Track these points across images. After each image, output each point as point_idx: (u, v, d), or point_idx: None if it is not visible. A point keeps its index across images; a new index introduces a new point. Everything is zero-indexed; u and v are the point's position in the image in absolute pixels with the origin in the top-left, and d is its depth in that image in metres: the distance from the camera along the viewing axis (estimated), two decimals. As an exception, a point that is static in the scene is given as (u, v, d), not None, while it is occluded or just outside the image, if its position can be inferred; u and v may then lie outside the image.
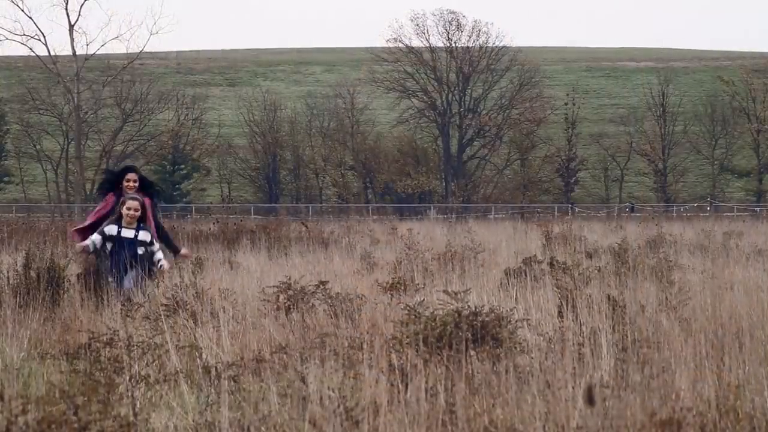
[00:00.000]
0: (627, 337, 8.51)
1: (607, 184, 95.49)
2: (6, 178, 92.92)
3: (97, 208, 14.50)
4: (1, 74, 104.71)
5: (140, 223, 13.33)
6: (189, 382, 8.17)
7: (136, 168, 15.10)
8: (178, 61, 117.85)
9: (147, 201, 13.95)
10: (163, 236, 14.26)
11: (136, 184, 14.47)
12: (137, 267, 13.08)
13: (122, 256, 13.06)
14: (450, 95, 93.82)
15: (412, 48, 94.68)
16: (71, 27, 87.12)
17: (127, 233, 13.24)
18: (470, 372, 7.89)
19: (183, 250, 14.87)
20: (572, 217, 53.11)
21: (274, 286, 11.52)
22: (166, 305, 10.84)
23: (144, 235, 13.31)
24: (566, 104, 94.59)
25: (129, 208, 13.31)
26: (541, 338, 8.58)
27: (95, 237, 13.22)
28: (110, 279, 12.97)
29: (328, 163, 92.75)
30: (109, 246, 13.21)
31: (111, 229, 13.29)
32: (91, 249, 13.20)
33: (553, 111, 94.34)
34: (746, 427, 6.74)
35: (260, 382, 7.66)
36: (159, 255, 13.40)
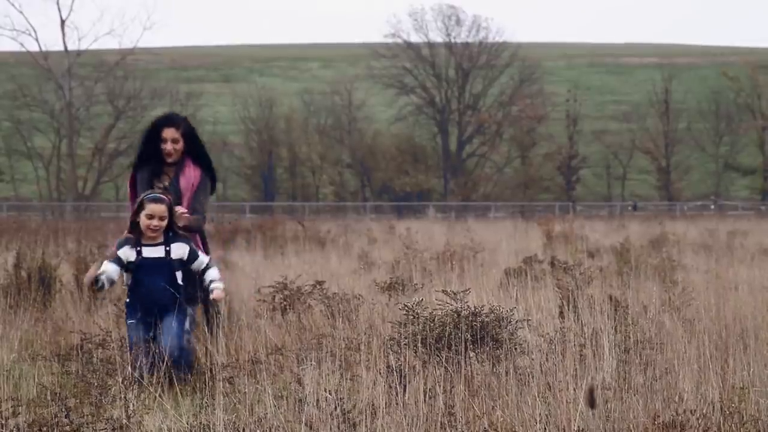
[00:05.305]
0: (629, 338, 8.46)
1: (609, 182, 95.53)
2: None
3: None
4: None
5: (169, 231, 8.73)
6: (183, 383, 8.10)
7: (178, 119, 9.45)
8: (172, 57, 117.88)
9: (195, 174, 9.28)
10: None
11: (177, 146, 9.29)
12: (177, 305, 8.61)
13: (153, 291, 8.60)
14: (449, 91, 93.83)
15: (411, 43, 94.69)
16: (63, 22, 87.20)
17: (153, 252, 8.68)
18: (470, 373, 7.85)
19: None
20: (574, 215, 53.11)
21: (269, 286, 11.45)
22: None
23: (179, 250, 8.74)
24: (568, 101, 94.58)
25: (151, 216, 8.63)
26: (542, 339, 8.50)
27: (108, 268, 8.61)
28: (134, 332, 8.57)
29: (324, 161, 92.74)
30: (128, 279, 8.72)
31: (126, 253, 8.68)
32: (104, 284, 8.61)
33: (554, 108, 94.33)
34: (751, 429, 6.70)
35: (256, 384, 7.59)
36: (212, 272, 8.84)
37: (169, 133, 9.23)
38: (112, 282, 8.65)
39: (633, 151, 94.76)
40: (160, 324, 8.55)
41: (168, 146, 9.21)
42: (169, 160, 9.25)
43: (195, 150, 9.40)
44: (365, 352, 8.15)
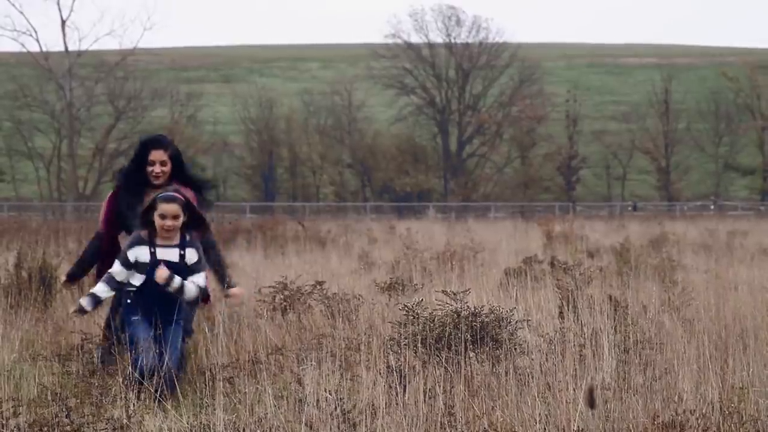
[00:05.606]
0: (629, 338, 8.47)
1: (609, 182, 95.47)
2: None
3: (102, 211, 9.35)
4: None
5: (184, 234, 8.31)
6: (183, 383, 8.10)
7: (166, 141, 9.22)
8: (173, 58, 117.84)
9: (190, 195, 8.76)
10: (212, 259, 8.82)
11: (165, 169, 9.04)
12: (188, 313, 8.42)
13: (162, 296, 8.20)
14: (449, 92, 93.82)
15: (411, 44, 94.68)
16: (63, 22, 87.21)
17: (168, 254, 8.25)
18: (469, 373, 7.85)
19: (236, 289, 9.09)
20: (573, 215, 53.14)
21: (270, 286, 11.45)
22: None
23: (192, 256, 8.31)
24: (567, 101, 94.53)
25: (164, 216, 8.20)
26: (542, 339, 8.51)
27: (116, 270, 8.24)
28: (140, 331, 8.14)
29: (325, 161, 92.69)
30: (136, 280, 8.26)
31: (140, 252, 8.23)
32: (92, 305, 8.26)
33: (554, 108, 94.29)
34: (750, 430, 6.70)
35: (256, 384, 7.60)
36: (190, 286, 8.28)
37: (157, 155, 8.98)
38: (97, 304, 8.25)
39: (633, 151, 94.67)
40: (161, 327, 8.11)
41: (156, 168, 8.95)
42: (156, 182, 8.92)
43: (181, 173, 9.09)
44: (365, 352, 8.15)
